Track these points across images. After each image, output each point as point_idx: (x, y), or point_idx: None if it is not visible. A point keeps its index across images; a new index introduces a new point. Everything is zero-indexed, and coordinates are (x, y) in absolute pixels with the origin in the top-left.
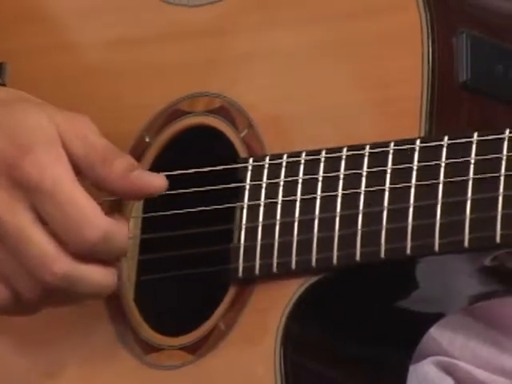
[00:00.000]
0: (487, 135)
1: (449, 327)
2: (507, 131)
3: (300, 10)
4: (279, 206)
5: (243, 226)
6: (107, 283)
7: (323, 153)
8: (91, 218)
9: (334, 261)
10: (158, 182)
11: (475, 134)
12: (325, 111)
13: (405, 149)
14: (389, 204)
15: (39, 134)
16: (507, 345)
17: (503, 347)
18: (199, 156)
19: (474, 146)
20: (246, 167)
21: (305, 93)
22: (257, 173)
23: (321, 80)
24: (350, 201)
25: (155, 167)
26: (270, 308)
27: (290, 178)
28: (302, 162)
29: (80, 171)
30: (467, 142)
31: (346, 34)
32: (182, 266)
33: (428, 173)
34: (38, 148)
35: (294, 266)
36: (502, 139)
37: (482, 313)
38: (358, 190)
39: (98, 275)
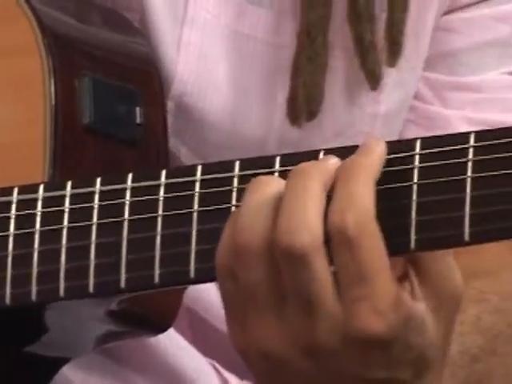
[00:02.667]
0: (111, 184)
1: (82, 367)
2: (130, 176)
3: None
4: None
5: None
6: None
7: None
8: None
9: None
10: None
11: (98, 180)
12: None
13: (27, 196)
14: (13, 250)
15: None
16: (139, 382)
17: None
18: None
19: (96, 196)
20: None
21: None
22: None
23: None
24: None
25: None
26: None
27: None
28: None
29: None
30: (90, 190)
31: None
32: None
33: (52, 219)
34: None
35: None
36: (124, 189)
37: (114, 351)
38: None
39: None
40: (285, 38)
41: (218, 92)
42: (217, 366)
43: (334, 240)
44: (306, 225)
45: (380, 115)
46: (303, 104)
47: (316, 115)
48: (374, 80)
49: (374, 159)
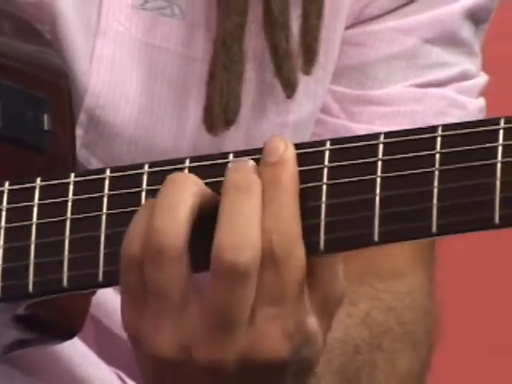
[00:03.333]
0: (18, 184)
1: None
2: (38, 180)
3: None
4: None
5: None
6: None
7: None
8: None
9: None
10: None
11: (6, 184)
12: None
13: None
14: None
15: None
16: None
17: None
18: None
19: (5, 196)
20: None
21: None
22: None
23: None
24: None
25: None
26: None
27: None
28: None
29: None
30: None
31: None
32: None
33: None
34: None
35: None
36: (33, 187)
37: (21, 360)
38: None
39: None
40: (197, 49)
41: (130, 105)
42: (121, 375)
43: (262, 260)
44: (249, 240)
45: (289, 125)
46: (220, 112)
47: (233, 123)
48: (289, 88)
49: (290, 171)
